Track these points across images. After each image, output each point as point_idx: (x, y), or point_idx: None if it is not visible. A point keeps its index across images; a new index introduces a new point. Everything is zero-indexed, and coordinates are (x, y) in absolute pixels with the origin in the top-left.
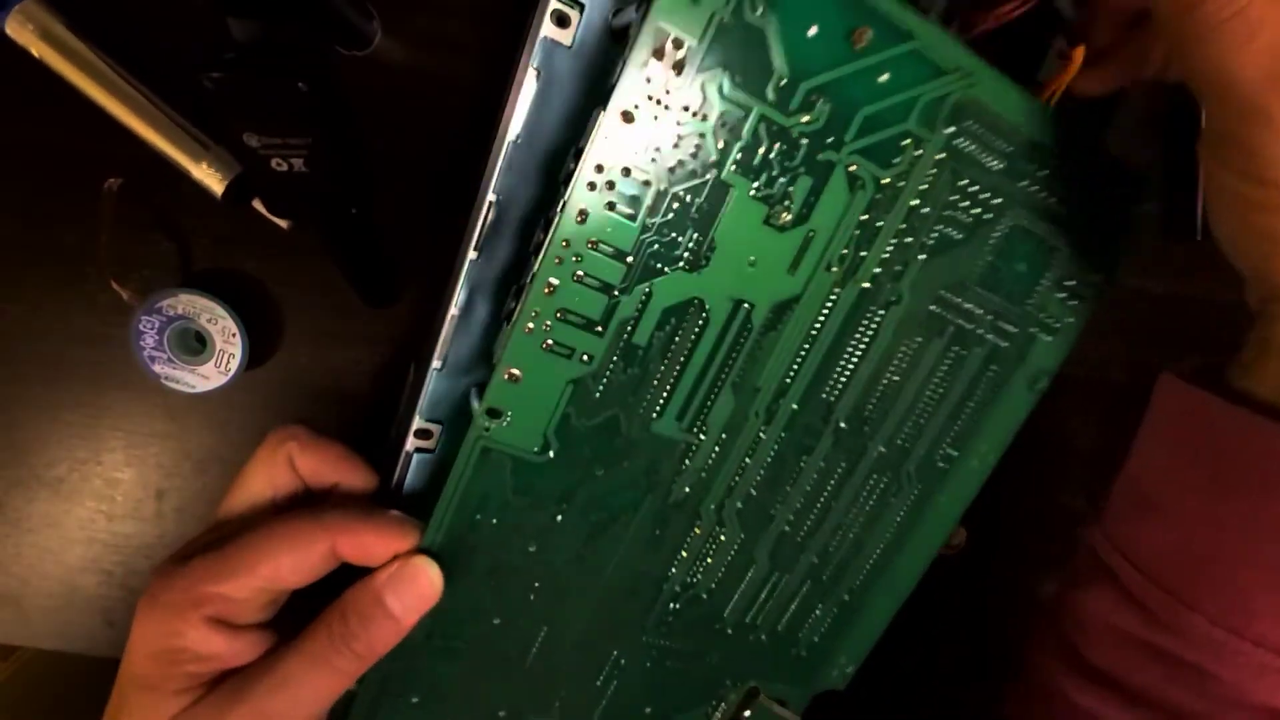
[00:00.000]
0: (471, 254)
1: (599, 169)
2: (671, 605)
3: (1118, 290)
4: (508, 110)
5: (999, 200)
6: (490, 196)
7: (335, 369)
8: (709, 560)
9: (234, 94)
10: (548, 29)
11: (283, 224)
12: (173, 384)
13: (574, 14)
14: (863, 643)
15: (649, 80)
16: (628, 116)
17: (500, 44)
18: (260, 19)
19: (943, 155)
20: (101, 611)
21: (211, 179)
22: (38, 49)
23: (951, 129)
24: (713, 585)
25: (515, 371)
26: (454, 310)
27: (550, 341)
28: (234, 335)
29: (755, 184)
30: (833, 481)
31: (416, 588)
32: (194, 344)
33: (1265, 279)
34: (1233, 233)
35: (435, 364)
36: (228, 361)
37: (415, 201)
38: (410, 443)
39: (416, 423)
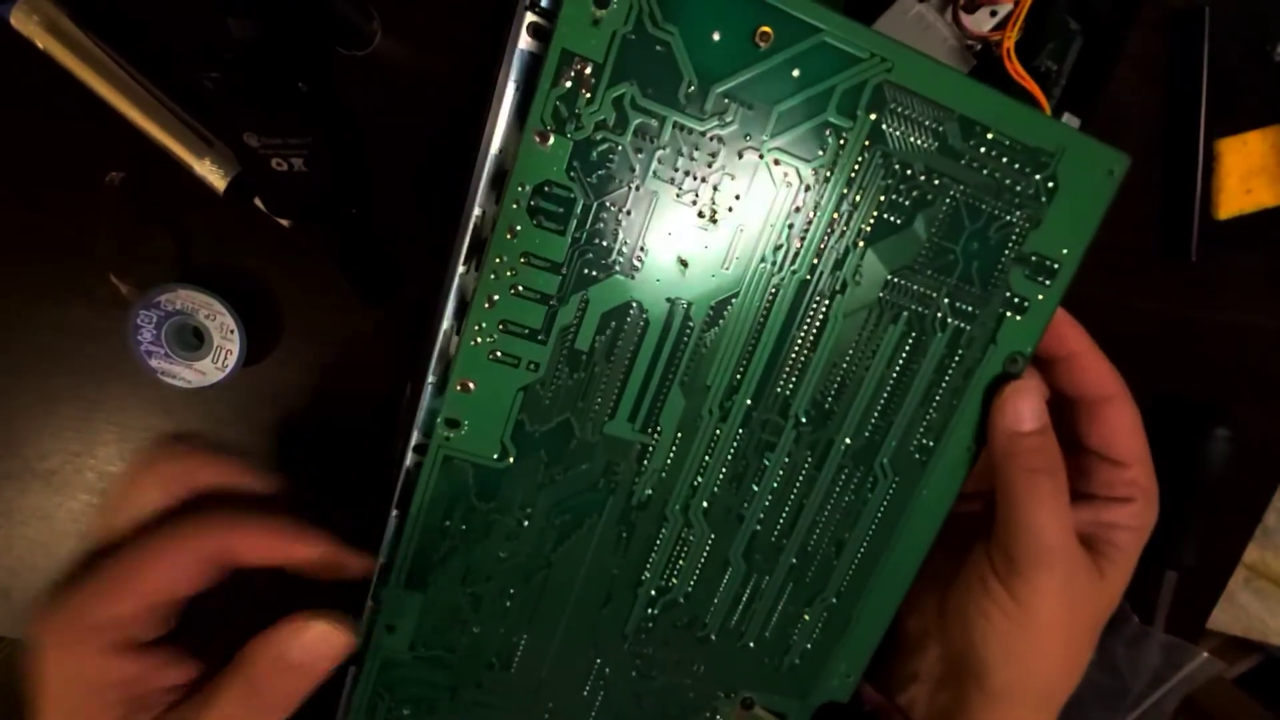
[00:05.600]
0: (460, 268)
1: (522, 186)
2: (649, 610)
3: (1115, 308)
4: (489, 123)
5: (937, 181)
6: (476, 210)
7: (333, 367)
8: (681, 563)
9: (234, 94)
10: (524, 42)
11: (284, 222)
12: (169, 379)
13: (549, 25)
14: (862, 649)
15: (561, 100)
16: (544, 136)
17: (500, 43)
18: (260, 19)
19: (868, 141)
20: None
21: (214, 175)
22: (42, 41)
23: (874, 115)
24: (689, 589)
25: (468, 383)
26: (445, 325)
27: (497, 352)
28: (232, 332)
29: (677, 187)
30: (801, 478)
31: (317, 648)
32: (191, 339)
33: (964, 655)
34: (963, 608)
35: (430, 379)
36: (225, 358)
37: (415, 200)
38: (410, 459)
39: (415, 438)
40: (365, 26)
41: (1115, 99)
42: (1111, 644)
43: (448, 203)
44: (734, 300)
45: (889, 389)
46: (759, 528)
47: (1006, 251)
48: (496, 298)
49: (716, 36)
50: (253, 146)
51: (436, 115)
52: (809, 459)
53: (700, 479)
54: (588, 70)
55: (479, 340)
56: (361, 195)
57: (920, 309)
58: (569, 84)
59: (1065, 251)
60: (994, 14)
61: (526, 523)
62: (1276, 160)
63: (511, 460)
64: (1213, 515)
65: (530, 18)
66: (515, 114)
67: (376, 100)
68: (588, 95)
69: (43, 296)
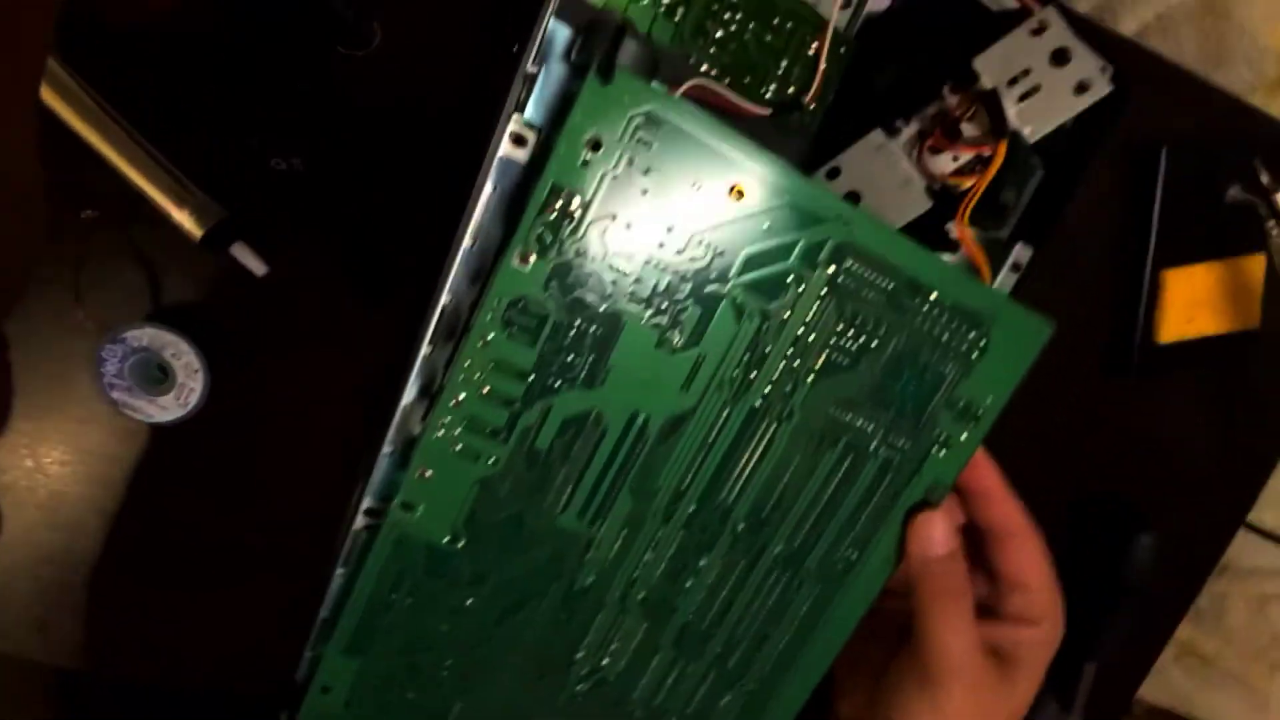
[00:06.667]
0: (425, 348)
1: (499, 301)
2: (579, 687)
3: (1059, 416)
4: (466, 216)
5: (884, 329)
6: (445, 298)
7: (299, 413)
8: (614, 645)
9: (234, 95)
10: (505, 149)
11: (258, 271)
12: (130, 412)
13: (530, 134)
14: None
15: (544, 229)
16: (524, 259)
17: (500, 43)
18: (261, 19)
19: (826, 290)
20: (34, 619)
21: (191, 223)
22: None
23: (833, 268)
24: (620, 669)
25: (427, 471)
26: (406, 400)
27: (459, 446)
28: (196, 371)
29: (647, 313)
30: (734, 577)
31: None
32: (156, 374)
33: None
34: (887, 705)
35: (386, 449)
36: (188, 395)
37: (414, 200)
38: (360, 521)
39: (367, 503)
40: (365, 26)
41: (1071, 223)
42: None
43: (448, 203)
44: (689, 419)
45: (821, 506)
46: (690, 618)
47: (938, 396)
48: (463, 397)
49: (696, 187)
50: (253, 146)
51: (436, 115)
52: (742, 562)
53: (640, 572)
54: (574, 203)
55: (442, 433)
56: (360, 194)
57: (857, 439)
58: (554, 215)
59: (990, 400)
60: (956, 159)
61: (471, 600)
62: (1220, 293)
63: (462, 545)
64: (1134, 612)
65: (512, 126)
66: (493, 212)
67: (376, 100)
68: (571, 225)
69: (13, 324)
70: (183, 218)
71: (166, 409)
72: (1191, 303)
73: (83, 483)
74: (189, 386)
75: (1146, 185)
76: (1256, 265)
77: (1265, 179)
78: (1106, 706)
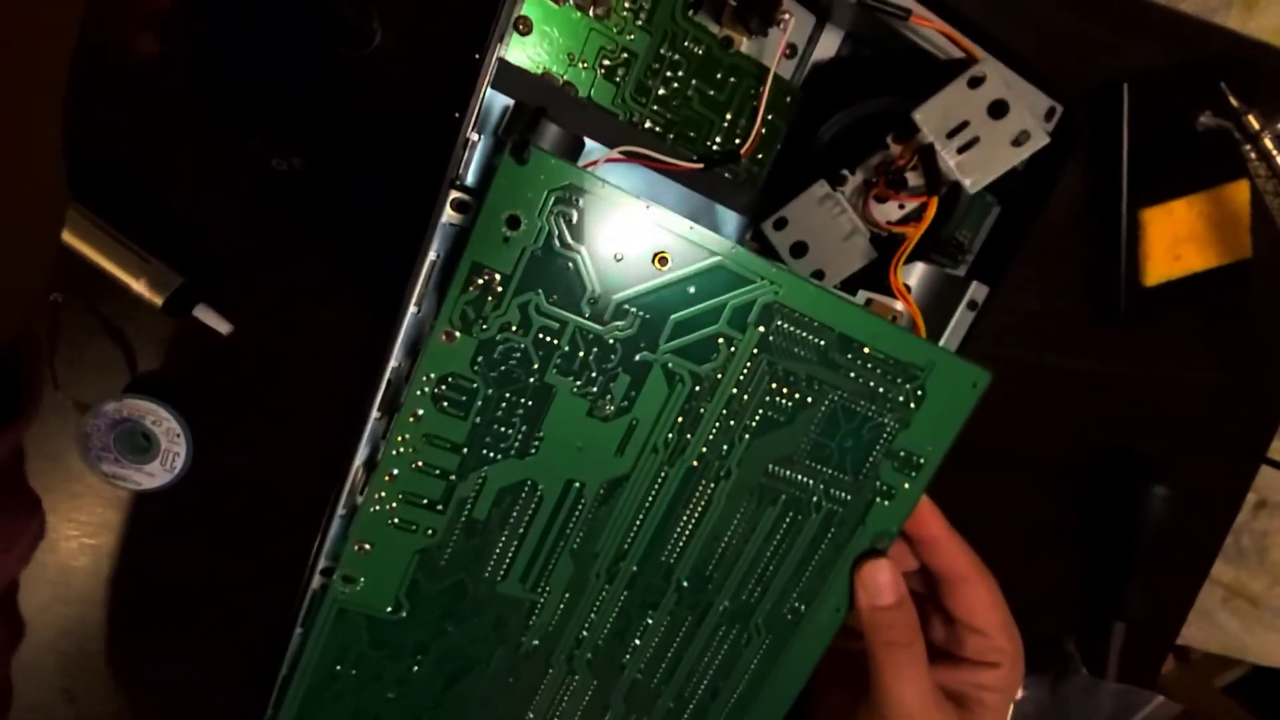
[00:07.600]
0: (375, 414)
1: (427, 377)
2: None
3: (1053, 371)
4: (410, 284)
5: (817, 386)
6: (392, 363)
7: (280, 470)
8: (564, 705)
9: (237, 94)
10: (448, 215)
11: (223, 330)
12: (120, 482)
13: (473, 200)
14: None
15: (469, 305)
16: (450, 336)
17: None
18: (261, 19)
19: (756, 350)
20: (62, 690)
21: (150, 292)
22: None
23: (762, 328)
24: None
25: (365, 545)
26: (357, 462)
27: (396, 520)
28: (178, 435)
29: (576, 383)
30: (681, 633)
31: None
32: (141, 442)
33: None
34: None
35: (340, 511)
36: (173, 460)
37: (414, 200)
38: (317, 580)
39: (322, 563)
40: (365, 26)
41: (1042, 169)
42: (1063, 694)
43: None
44: (625, 483)
45: (765, 560)
46: (639, 676)
47: (877, 448)
48: (397, 472)
49: (619, 258)
50: (253, 147)
51: (436, 115)
52: (688, 618)
53: (585, 633)
54: (496, 279)
55: (378, 507)
56: (361, 193)
57: (797, 494)
58: (476, 291)
59: (930, 449)
60: (902, 207)
61: (417, 668)
62: (1205, 226)
63: (405, 614)
64: (1157, 567)
65: (454, 194)
66: (435, 280)
67: (376, 100)
68: (494, 301)
69: None
70: (142, 288)
71: (154, 475)
72: (1175, 240)
73: (88, 554)
74: (173, 451)
75: (1112, 124)
76: (1240, 192)
77: (1234, 101)
78: (1141, 662)
